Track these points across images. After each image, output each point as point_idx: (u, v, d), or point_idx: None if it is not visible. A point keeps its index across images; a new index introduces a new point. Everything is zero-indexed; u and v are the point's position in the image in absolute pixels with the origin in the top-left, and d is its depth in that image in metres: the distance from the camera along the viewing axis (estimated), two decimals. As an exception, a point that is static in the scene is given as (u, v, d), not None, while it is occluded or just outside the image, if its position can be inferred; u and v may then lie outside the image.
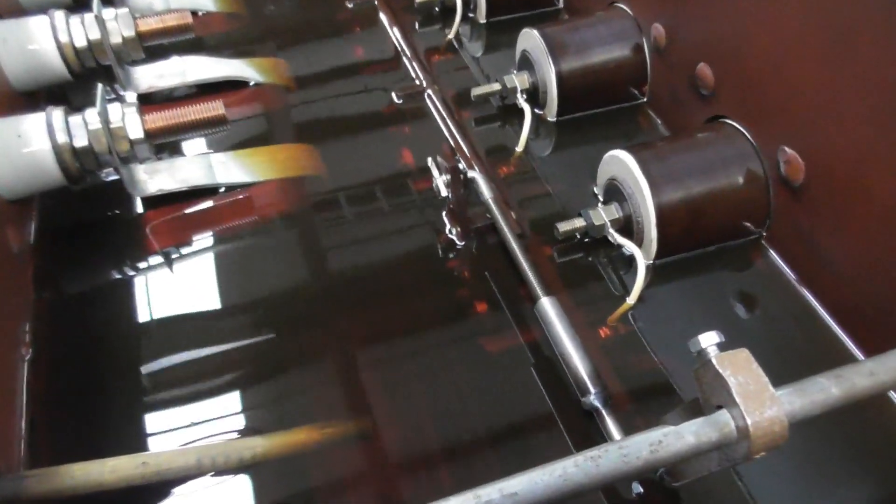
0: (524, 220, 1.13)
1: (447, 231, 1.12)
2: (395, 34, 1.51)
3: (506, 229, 1.07)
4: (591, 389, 0.87)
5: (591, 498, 0.81)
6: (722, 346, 0.63)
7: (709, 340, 0.62)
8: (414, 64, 1.43)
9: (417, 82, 1.39)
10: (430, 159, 1.14)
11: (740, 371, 0.59)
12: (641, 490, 0.80)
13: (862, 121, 0.85)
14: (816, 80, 0.91)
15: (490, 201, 1.11)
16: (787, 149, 0.96)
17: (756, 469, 0.80)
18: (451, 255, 1.10)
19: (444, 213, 1.13)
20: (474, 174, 1.14)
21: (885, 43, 0.80)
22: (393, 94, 1.37)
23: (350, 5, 1.57)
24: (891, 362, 0.65)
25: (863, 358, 0.91)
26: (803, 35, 0.92)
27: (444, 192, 1.11)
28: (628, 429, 0.85)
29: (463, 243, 1.10)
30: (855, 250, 0.90)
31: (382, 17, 1.57)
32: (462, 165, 1.14)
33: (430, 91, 1.35)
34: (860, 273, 0.90)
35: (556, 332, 0.94)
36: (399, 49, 1.48)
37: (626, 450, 0.58)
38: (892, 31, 0.79)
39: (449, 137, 1.28)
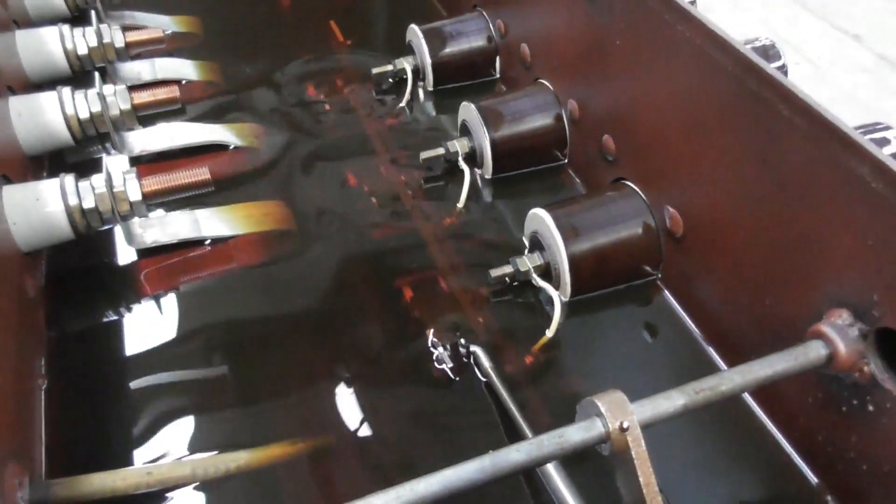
0: (461, 266, 1.32)
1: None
2: (357, 105, 1.69)
3: (511, 404, 1.08)
4: None
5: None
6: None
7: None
8: (374, 131, 1.63)
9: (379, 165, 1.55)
10: (430, 334, 1.20)
11: (605, 395, 0.81)
12: None
13: (715, 187, 1.07)
14: (685, 154, 1.12)
15: (491, 373, 1.13)
16: (669, 207, 1.19)
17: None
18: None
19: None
20: (476, 349, 1.16)
21: (725, 132, 1.03)
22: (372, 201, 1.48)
23: (326, 106, 1.73)
24: (723, 378, 0.87)
25: (728, 371, 1.13)
26: (672, 118, 1.14)
27: (449, 365, 1.15)
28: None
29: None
30: (719, 289, 1.12)
31: (344, 83, 1.77)
32: (462, 340, 1.18)
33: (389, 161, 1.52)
34: (724, 307, 1.11)
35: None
36: (360, 118, 1.66)
37: (521, 446, 0.79)
38: (729, 123, 1.02)
39: (403, 201, 1.46)
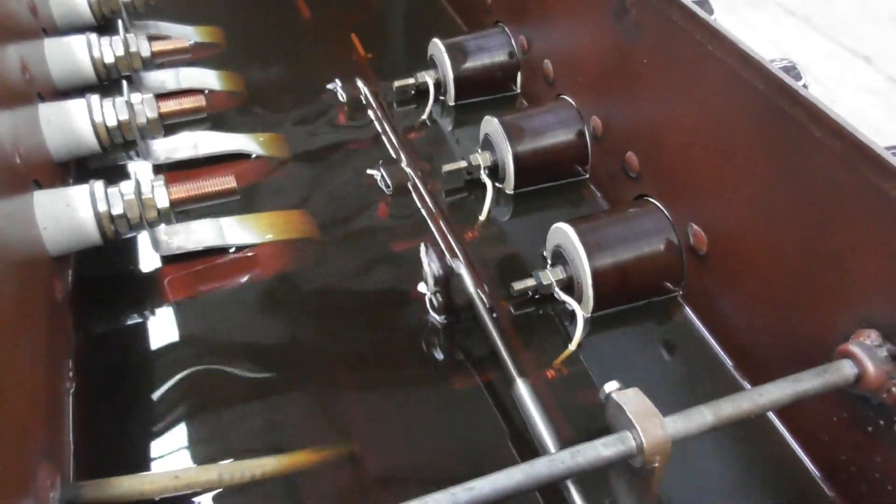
0: (483, 279, 1.32)
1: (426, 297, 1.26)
2: (378, 118, 1.71)
3: (486, 318, 1.18)
4: None
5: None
6: (621, 389, 0.86)
7: (611, 387, 0.85)
8: (395, 143, 1.65)
9: (403, 166, 1.57)
10: (423, 247, 1.24)
11: (634, 403, 0.81)
12: None
13: (741, 206, 1.09)
14: (710, 172, 1.14)
15: (473, 293, 1.20)
16: (693, 225, 1.20)
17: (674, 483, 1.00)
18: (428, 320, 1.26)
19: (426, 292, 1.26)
20: (460, 268, 1.22)
21: (754, 151, 1.04)
22: (378, 172, 1.54)
23: (348, 118, 1.76)
24: (753, 395, 0.88)
25: (750, 390, 1.14)
26: (699, 136, 1.15)
27: (430, 285, 1.22)
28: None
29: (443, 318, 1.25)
30: (742, 307, 1.13)
31: (365, 95, 1.80)
32: (448, 258, 1.23)
33: (411, 173, 1.54)
34: (747, 325, 1.12)
35: (531, 413, 1.06)
36: (381, 130, 1.68)
37: (554, 458, 0.80)
38: (757, 143, 1.03)
39: (425, 213, 1.47)
